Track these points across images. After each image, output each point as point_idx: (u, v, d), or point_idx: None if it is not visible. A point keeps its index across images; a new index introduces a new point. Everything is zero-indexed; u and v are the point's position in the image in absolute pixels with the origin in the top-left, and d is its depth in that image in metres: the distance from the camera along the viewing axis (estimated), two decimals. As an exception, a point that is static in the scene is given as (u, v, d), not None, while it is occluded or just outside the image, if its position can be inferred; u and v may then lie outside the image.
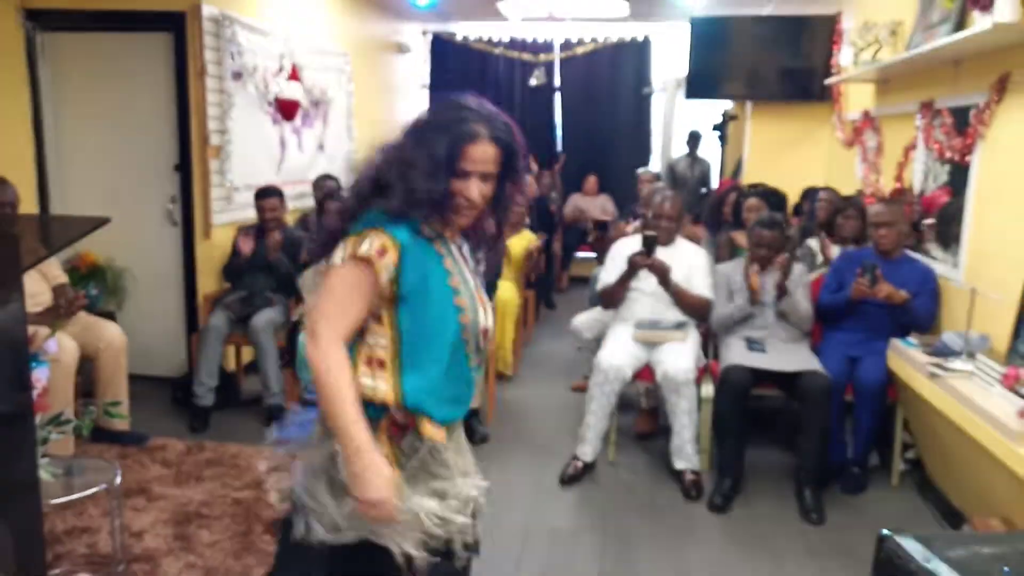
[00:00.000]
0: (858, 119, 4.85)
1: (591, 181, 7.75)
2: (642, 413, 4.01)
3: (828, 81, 5.26)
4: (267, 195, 4.20)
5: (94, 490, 2.41)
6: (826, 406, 3.21)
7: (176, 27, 4.13)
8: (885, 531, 1.41)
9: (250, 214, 4.37)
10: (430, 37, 8.29)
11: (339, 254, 1.50)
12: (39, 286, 3.42)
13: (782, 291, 3.49)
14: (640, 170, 6.95)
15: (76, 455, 3.17)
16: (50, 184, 4.26)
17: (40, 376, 2.35)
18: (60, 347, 2.99)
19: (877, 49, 4.26)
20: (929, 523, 3.12)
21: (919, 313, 3.34)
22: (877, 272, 3.31)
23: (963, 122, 3.35)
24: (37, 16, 4.06)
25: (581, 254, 7.68)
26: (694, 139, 7.37)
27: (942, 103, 3.59)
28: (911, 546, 1.34)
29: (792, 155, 5.79)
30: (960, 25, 3.33)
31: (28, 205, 3.85)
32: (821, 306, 3.62)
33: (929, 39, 3.53)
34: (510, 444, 3.83)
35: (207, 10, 4.16)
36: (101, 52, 4.26)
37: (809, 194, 5.00)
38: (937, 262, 3.55)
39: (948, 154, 3.46)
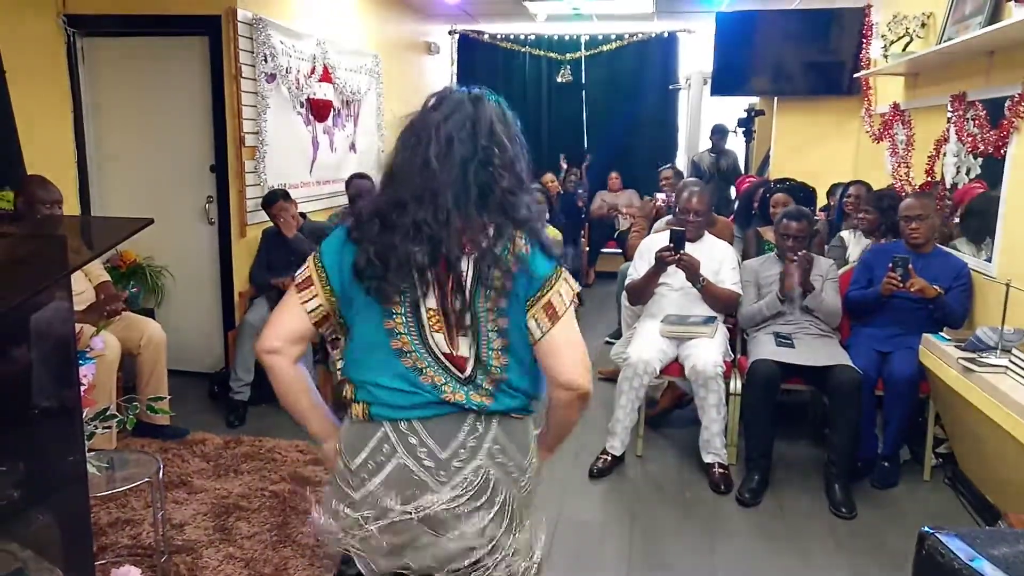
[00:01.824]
0: (887, 113, 4.81)
1: (614, 177, 7.81)
2: (664, 392, 4.07)
3: (858, 75, 5.22)
4: (272, 200, 4.19)
5: (137, 483, 2.45)
6: (856, 400, 3.20)
7: (212, 30, 4.21)
8: (926, 528, 1.37)
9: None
10: (457, 36, 8.34)
11: (566, 294, 1.46)
12: (82, 284, 3.52)
13: (805, 287, 3.49)
14: (661, 168, 6.93)
15: (118, 449, 3.26)
16: (91, 185, 4.38)
17: (87, 372, 2.42)
18: (104, 344, 3.08)
19: (908, 42, 4.23)
20: (962, 518, 3.10)
21: (952, 308, 3.31)
22: (909, 267, 3.27)
23: (997, 114, 3.31)
24: (77, 21, 4.16)
25: (608, 250, 7.70)
26: (719, 133, 7.31)
27: (975, 95, 3.55)
28: (954, 544, 1.30)
29: (820, 150, 5.74)
30: (994, 17, 3.30)
31: (70, 205, 3.96)
32: (849, 301, 3.60)
33: (962, 31, 3.50)
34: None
35: (242, 13, 4.23)
36: (139, 55, 4.36)
37: (835, 189, 4.97)
38: (965, 256, 3.51)
39: (981, 147, 3.43)
